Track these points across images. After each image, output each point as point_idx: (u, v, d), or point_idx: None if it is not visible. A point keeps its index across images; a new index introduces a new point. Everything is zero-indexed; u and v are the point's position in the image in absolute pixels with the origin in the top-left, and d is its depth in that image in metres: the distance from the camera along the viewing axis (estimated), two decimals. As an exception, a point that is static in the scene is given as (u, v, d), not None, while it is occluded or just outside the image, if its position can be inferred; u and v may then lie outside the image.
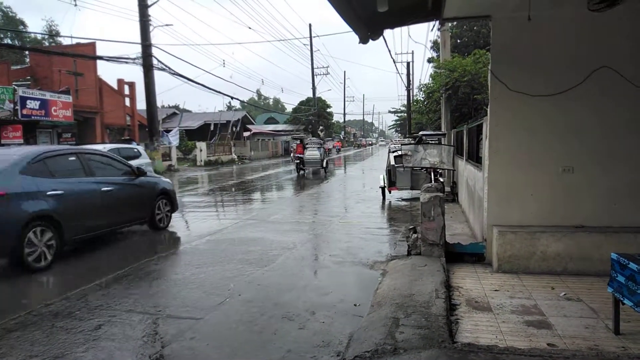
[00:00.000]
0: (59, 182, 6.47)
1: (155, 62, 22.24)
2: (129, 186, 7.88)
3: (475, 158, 7.64)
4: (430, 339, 3.35)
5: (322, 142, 24.28)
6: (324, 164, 21.85)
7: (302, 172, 21.82)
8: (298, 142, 24.44)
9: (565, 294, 4.38)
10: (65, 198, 6.41)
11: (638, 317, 3.53)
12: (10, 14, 48.68)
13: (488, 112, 5.52)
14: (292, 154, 27.98)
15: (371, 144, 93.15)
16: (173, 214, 9.16)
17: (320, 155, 21.67)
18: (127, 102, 31.84)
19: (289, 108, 65.72)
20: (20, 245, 5.64)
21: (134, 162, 10.03)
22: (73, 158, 7.10)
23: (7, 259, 5.86)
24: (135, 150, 14.04)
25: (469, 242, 5.99)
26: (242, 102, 47.88)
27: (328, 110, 60.36)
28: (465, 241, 6.15)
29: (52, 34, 47.59)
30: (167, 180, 9.36)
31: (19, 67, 30.50)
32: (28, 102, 15.89)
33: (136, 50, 29.13)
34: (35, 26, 55.56)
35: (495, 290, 4.58)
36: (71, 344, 3.74)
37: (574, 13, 4.90)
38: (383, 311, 4.01)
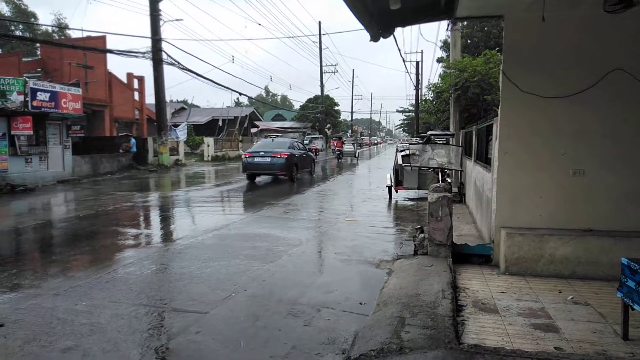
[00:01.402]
0: (295, 150, 17.16)
1: (164, 56, 22.33)
2: (306, 154, 18.84)
3: (484, 159, 7.60)
4: (437, 339, 3.34)
5: (354, 139, 42.21)
6: (356, 154, 35.72)
7: (341, 160, 30.85)
8: (337, 139, 35.73)
9: (572, 298, 4.35)
10: (297, 157, 16.94)
11: (647, 322, 3.50)
12: (22, 7, 49.04)
13: (499, 112, 5.48)
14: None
15: (377, 143, 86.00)
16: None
17: (354, 148, 36.56)
18: (136, 96, 32.01)
19: (297, 105, 65.75)
20: (292, 173, 16.41)
21: None
22: (295, 142, 18.59)
23: (289, 177, 16.38)
24: None
25: (477, 244, 5.96)
26: (250, 98, 47.90)
27: (335, 108, 60.25)
28: (473, 242, 6.12)
29: (62, 26, 47.88)
30: (312, 154, 21.47)
31: (29, 59, 30.74)
32: (38, 93, 15.94)
33: (146, 45, 29.29)
34: (44, 20, 55.88)
35: (502, 292, 4.55)
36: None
37: (589, 14, 4.85)
38: (389, 310, 4.00)
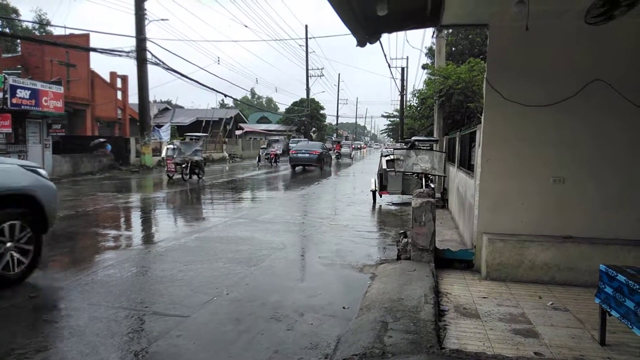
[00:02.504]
0: (323, 150, 25.90)
1: (149, 56, 22.10)
2: (327, 153, 28.56)
3: (467, 165, 7.68)
4: (419, 344, 3.35)
5: (350, 143, 55.02)
6: (351, 155, 46.73)
7: (339, 159, 37.81)
8: (337, 143, 43.76)
9: (552, 304, 4.42)
10: (324, 154, 25.93)
11: (624, 328, 3.56)
12: (2, 2, 48.00)
13: (482, 120, 5.56)
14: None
15: (360, 148, 72.02)
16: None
17: (350, 150, 48.06)
18: (119, 95, 31.57)
19: (282, 108, 65.65)
20: (321, 164, 25.15)
21: None
22: (322, 144, 28.75)
23: (320, 167, 24.88)
24: None
25: (459, 249, 6.01)
26: (235, 100, 47.73)
27: (321, 112, 60.32)
28: (455, 247, 6.18)
29: (44, 23, 47.05)
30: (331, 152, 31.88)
31: (9, 55, 30.06)
32: (18, 91, 15.61)
33: (130, 44, 28.93)
34: (26, 17, 54.74)
35: (484, 298, 4.60)
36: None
37: (571, 25, 4.96)
38: (372, 315, 4.01)
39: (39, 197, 5.26)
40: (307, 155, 24.36)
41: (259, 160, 29.20)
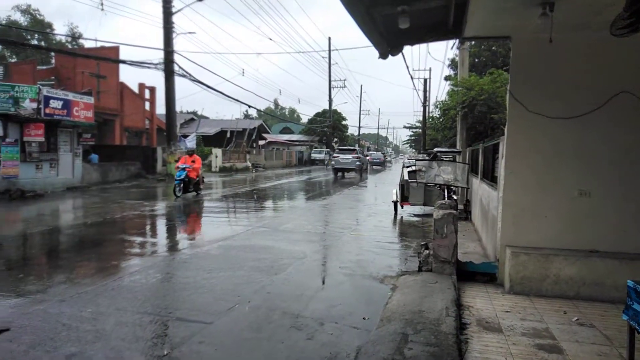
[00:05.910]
0: (384, 158, 55.46)
1: (176, 68, 22.62)
2: (385, 159, 55.98)
3: (490, 177, 7.60)
4: (439, 357, 3.33)
5: (384, 153, 60.92)
6: (390, 161, 66.03)
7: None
8: (383, 155, 56.01)
9: (577, 319, 4.32)
10: (384, 160, 54.12)
11: (652, 346, 3.47)
12: (39, 17, 50.05)
13: (505, 131, 5.51)
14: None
15: (383, 162, 51.52)
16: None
17: (390, 158, 68.37)
18: (147, 106, 32.39)
19: (305, 119, 66.08)
20: (384, 165, 51.87)
21: None
22: (382, 154, 57.33)
23: (383, 167, 49.75)
24: None
25: (481, 262, 5.94)
26: (259, 110, 48.34)
27: (343, 122, 60.44)
28: (477, 260, 6.10)
29: (76, 36, 48.80)
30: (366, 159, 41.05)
31: (44, 67, 31.27)
32: (51, 101, 16.21)
33: (159, 56, 29.68)
34: (59, 30, 57.10)
35: (507, 312, 4.53)
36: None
37: (596, 37, 4.90)
38: (392, 326, 4.00)
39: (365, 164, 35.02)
40: (377, 160, 48.66)
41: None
